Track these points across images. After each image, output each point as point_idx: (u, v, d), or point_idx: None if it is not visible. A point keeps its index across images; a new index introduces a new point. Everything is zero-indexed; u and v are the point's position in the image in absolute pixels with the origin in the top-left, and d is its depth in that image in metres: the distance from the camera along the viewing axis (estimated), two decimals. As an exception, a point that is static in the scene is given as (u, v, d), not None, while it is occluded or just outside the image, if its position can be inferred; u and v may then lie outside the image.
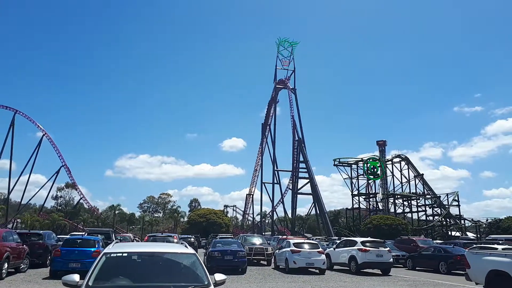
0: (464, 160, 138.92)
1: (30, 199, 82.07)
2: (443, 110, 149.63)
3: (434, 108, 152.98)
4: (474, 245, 14.48)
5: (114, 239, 21.50)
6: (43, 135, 76.94)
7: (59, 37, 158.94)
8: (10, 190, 74.67)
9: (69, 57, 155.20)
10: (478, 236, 60.93)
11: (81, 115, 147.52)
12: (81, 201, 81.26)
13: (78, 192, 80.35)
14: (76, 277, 4.90)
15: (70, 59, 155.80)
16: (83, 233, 26.38)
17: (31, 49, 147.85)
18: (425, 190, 74.07)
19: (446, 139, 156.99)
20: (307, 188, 77.08)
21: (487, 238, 38.62)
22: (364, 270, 18.34)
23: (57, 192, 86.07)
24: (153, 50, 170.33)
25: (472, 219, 72.18)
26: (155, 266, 5.26)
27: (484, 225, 69.15)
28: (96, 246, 15.21)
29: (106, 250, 5.55)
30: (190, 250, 5.69)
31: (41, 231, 20.71)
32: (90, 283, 4.71)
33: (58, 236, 24.49)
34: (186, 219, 78.47)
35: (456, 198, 72.01)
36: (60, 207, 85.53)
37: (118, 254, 5.34)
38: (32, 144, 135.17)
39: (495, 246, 12.21)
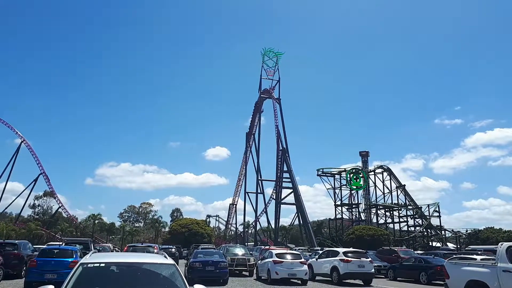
0: (444, 172, 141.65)
1: (6, 208, 79.88)
2: (424, 122, 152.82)
3: (416, 120, 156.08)
4: (454, 256, 14.67)
5: (92, 249, 21.00)
6: (22, 141, 75.29)
7: (39, 44, 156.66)
8: (-14, 198, 72.63)
9: (50, 64, 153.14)
10: (458, 246, 61.94)
11: (61, 122, 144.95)
12: (60, 210, 79.44)
13: (56, 201, 78.58)
14: (50, 288, 4.76)
15: (51, 66, 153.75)
16: (61, 243, 25.70)
17: (10, 55, 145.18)
18: (406, 201, 75.10)
19: (427, 151, 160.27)
20: (291, 198, 77.25)
21: (466, 248, 39.31)
22: (346, 281, 18.36)
23: (34, 201, 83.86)
24: (135, 59, 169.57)
25: (452, 230, 73.45)
26: (133, 277, 5.15)
27: (464, 235, 70.43)
28: (74, 256, 14.81)
29: (82, 260, 5.42)
30: (170, 260, 5.60)
31: (16, 241, 20.09)
32: (65, 295, 4.57)
33: (34, 246, 23.80)
34: (167, 229, 77.42)
35: (437, 209, 73.24)
36: (38, 216, 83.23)
37: (95, 265, 5.22)
38: (10, 151, 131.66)
39: (474, 256, 12.39)
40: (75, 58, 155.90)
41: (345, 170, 76.52)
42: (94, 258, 5.50)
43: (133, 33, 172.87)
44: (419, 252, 38.37)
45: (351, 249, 21.57)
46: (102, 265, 5.26)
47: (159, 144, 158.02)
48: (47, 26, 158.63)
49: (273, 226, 77.72)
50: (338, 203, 76.85)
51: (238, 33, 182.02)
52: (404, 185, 76.80)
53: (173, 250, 34.40)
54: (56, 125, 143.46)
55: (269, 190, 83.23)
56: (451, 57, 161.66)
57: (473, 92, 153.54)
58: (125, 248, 25.39)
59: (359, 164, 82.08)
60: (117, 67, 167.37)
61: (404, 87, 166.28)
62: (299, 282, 17.81)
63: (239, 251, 23.63)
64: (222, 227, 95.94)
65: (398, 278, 21.81)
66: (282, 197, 77.45)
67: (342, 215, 77.02)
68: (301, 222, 76.38)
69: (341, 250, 20.07)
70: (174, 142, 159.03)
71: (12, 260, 16.83)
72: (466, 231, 71.80)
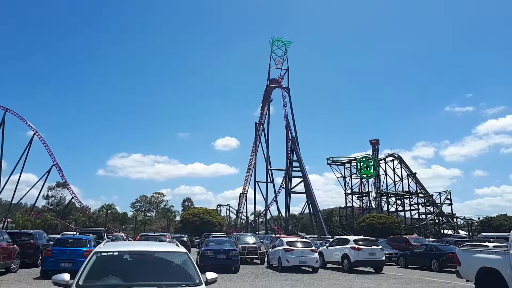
0: (456, 159, 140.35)
1: (21, 199, 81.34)
2: (435, 110, 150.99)
3: (426, 108, 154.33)
4: (466, 243, 14.60)
5: (105, 238, 21.36)
6: (34, 133, 76.35)
7: (50, 36, 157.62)
8: (1, 189, 74.15)
9: (61, 56, 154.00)
10: (470, 234, 61.49)
11: (73, 114, 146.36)
12: (73, 200, 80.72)
13: (69, 191, 79.81)
14: (66, 276, 4.84)
15: (62, 58, 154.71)
16: (75, 232, 26.19)
17: (22, 48, 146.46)
18: (417, 189, 74.60)
19: (438, 139, 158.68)
20: (301, 187, 77.37)
21: (478, 236, 39.01)
22: (357, 268, 18.40)
23: (48, 192, 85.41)
24: (145, 50, 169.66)
25: (464, 218, 72.88)
26: (146, 265, 5.22)
27: (476, 223, 69.80)
28: (88, 245, 15.08)
29: (96, 249, 5.53)
30: (182, 249, 5.66)
31: (32, 231, 20.52)
32: (80, 282, 4.67)
33: (49, 236, 24.29)
34: (179, 218, 78.23)
35: (449, 197, 72.69)
36: (52, 207, 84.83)
37: (108, 253, 5.30)
38: (23, 143, 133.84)
39: (486, 243, 12.29)
40: (85, 51, 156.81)
41: (355, 159, 76.19)
42: (107, 247, 5.59)
43: (140, 25, 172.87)
44: (430, 239, 38.21)
45: (362, 237, 21.58)
46: (115, 253, 5.34)
47: (169, 135, 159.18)
48: (56, 18, 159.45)
49: (283, 215, 78.03)
50: (349, 191, 76.74)
51: (246, 23, 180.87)
52: (415, 173, 76.30)
53: (185, 238, 34.81)
54: (68, 117, 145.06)
55: (279, 180, 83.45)
56: (462, 44, 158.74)
57: (485, 79, 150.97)
58: (138, 237, 25.78)
59: (370, 152, 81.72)
60: (127, 60, 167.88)
61: (414, 75, 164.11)
62: (310, 269, 17.91)
63: (250, 239, 23.82)
64: (233, 216, 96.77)
65: (409, 266, 21.80)
66: (292, 186, 77.60)
67: (352, 204, 76.96)
68: (312, 210, 76.54)
69: (351, 238, 20.08)
70: (183, 133, 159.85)
71: (28, 250, 17.21)
72: (478, 218, 71.14)
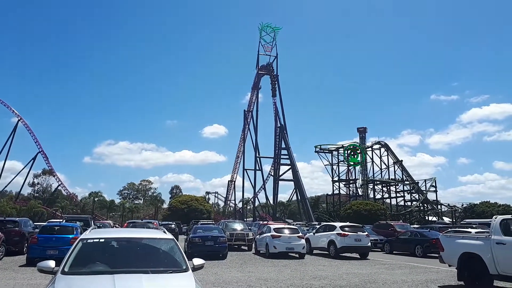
0: (440, 147, 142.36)
1: (5, 186, 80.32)
2: (421, 99, 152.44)
3: (412, 96, 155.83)
4: (449, 229, 14.90)
5: (92, 225, 21.24)
6: (19, 120, 74.99)
7: (36, 24, 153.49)
8: (-15, 177, 72.93)
9: (46, 43, 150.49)
10: (454, 220, 62.84)
11: (59, 100, 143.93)
12: (59, 188, 79.98)
13: (56, 179, 79.08)
14: (51, 263, 4.82)
15: (47, 46, 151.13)
16: (61, 220, 25.99)
17: (6, 34, 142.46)
18: (403, 176, 75.64)
19: (423, 127, 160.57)
20: (289, 175, 77.86)
21: (462, 222, 39.91)
22: (343, 254, 18.67)
23: (34, 179, 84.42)
24: (132, 37, 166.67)
25: (448, 204, 74.29)
26: (132, 251, 5.22)
27: (459, 210, 71.32)
28: (75, 233, 14.97)
29: (82, 236, 5.50)
30: (169, 235, 5.68)
31: (17, 218, 20.29)
32: (66, 269, 4.64)
33: (35, 224, 24.05)
34: (167, 206, 78.14)
35: (434, 184, 73.90)
36: (38, 194, 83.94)
37: (95, 240, 5.29)
38: (6, 129, 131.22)
39: (469, 230, 12.54)
40: (73, 38, 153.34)
41: (342, 147, 76.77)
42: (94, 234, 5.57)
43: (127, 14, 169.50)
44: (415, 226, 38.93)
45: (348, 223, 21.84)
46: (102, 240, 5.33)
47: (156, 123, 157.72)
48: (44, 4, 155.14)
49: (271, 202, 78.57)
50: (336, 179, 77.44)
51: (235, 10, 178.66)
52: (401, 160, 77.26)
53: (173, 226, 34.85)
54: (53, 103, 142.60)
55: (267, 167, 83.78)
56: (449, 33, 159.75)
57: (470, 68, 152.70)
58: (125, 224, 25.69)
59: (357, 140, 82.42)
60: (113, 47, 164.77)
61: (400, 63, 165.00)
62: (297, 255, 18.11)
63: (238, 226, 23.95)
64: (221, 204, 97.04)
65: (394, 252, 22.20)
66: (280, 173, 78.02)
67: (339, 191, 77.77)
68: (299, 197, 77.23)
69: (338, 224, 20.33)
70: (171, 120, 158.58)
71: (13, 237, 16.99)
72: (462, 205, 72.71)
